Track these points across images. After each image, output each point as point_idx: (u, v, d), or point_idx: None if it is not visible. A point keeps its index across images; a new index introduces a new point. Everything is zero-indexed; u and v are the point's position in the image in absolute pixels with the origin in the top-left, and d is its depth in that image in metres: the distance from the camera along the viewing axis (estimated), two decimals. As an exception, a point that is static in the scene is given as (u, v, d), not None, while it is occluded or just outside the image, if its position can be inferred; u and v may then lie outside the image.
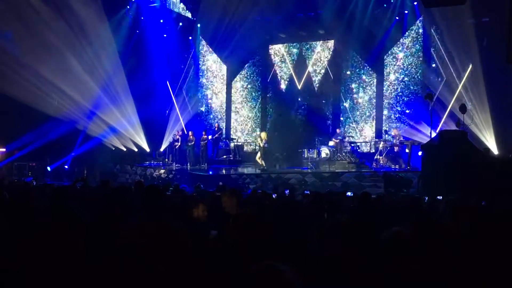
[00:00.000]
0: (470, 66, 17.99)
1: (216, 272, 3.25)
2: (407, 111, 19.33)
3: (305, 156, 19.19)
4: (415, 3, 18.67)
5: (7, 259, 3.19)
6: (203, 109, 22.93)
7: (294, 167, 18.46)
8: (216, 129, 20.78)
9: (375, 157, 18.06)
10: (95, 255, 3.21)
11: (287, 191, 10.67)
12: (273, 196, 9.15)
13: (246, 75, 22.95)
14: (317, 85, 21.57)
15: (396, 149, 17.47)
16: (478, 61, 17.09)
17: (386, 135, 19.06)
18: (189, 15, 22.17)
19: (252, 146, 22.57)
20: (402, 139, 17.55)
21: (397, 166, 17.22)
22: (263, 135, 18.21)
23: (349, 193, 10.65)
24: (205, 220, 4.58)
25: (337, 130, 18.97)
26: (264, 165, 17.64)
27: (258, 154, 18.01)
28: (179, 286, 2.92)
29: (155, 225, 3.64)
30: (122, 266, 2.49)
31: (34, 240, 3.31)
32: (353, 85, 20.86)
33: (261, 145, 17.83)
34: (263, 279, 2.23)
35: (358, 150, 19.55)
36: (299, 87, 21.80)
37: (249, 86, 22.92)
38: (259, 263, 2.30)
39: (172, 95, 22.01)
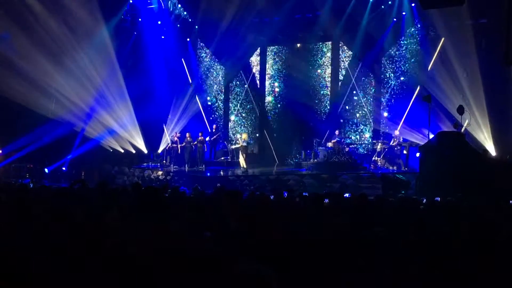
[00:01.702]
0: (442, 39, 18.13)
1: (210, 272, 3.25)
2: (405, 113, 19.30)
3: (303, 157, 19.23)
4: (413, 4, 18.66)
5: (6, 259, 3.18)
6: (201, 110, 22.84)
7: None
8: (214, 130, 20.74)
9: (373, 158, 18.08)
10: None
11: (285, 193, 10.64)
12: (271, 198, 9.14)
13: (244, 76, 22.92)
14: (315, 86, 21.53)
15: (396, 150, 17.53)
16: (476, 62, 17.11)
17: (382, 139, 18.90)
18: (187, 16, 22.13)
19: (250, 148, 22.58)
20: (401, 140, 17.59)
21: (395, 168, 17.24)
22: (244, 136, 18.36)
23: (346, 195, 10.63)
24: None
25: (336, 132, 18.97)
26: (245, 166, 17.79)
27: (240, 156, 18.13)
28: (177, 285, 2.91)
29: (153, 226, 3.64)
30: None
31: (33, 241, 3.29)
32: (351, 87, 20.85)
33: (241, 145, 18.06)
34: (246, 281, 2.22)
35: (356, 152, 19.57)
36: (297, 88, 21.77)
37: (246, 87, 22.89)
38: (242, 265, 2.29)
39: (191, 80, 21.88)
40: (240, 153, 18.26)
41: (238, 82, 23.08)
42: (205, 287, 3.13)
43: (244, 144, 18.16)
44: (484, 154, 14.87)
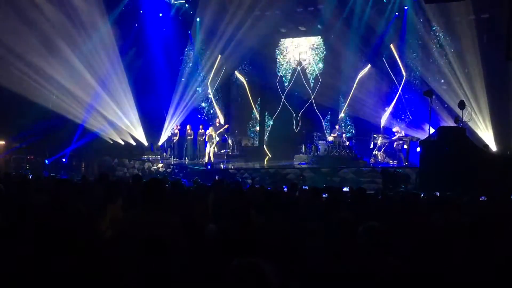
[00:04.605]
0: (368, 66, 19.06)
1: (209, 266, 3.25)
2: (406, 108, 19.26)
3: (303, 150, 19.26)
4: (415, -1, 18.60)
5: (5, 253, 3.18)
6: (202, 103, 22.76)
7: None
8: (217, 124, 20.57)
9: (373, 153, 18.06)
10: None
11: (285, 188, 10.65)
12: (268, 189, 9.19)
13: (245, 69, 22.87)
14: (316, 80, 21.49)
15: (395, 145, 17.49)
16: (477, 58, 17.07)
17: (380, 136, 18.72)
18: (188, 9, 22.06)
19: (251, 141, 22.60)
20: (402, 135, 17.53)
21: (395, 162, 17.22)
22: (210, 130, 18.80)
23: (345, 188, 10.63)
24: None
25: (336, 127, 18.97)
26: (211, 159, 18.35)
27: (209, 149, 18.48)
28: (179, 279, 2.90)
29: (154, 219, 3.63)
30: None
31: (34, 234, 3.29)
32: (352, 81, 20.81)
33: (214, 140, 18.61)
34: (243, 275, 2.22)
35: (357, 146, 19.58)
36: (298, 82, 21.75)
37: (248, 80, 22.85)
38: (241, 258, 2.28)
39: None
40: (208, 146, 18.46)
41: (239, 75, 23.02)
42: (205, 279, 3.13)
43: (217, 139, 18.82)
44: (485, 149, 14.85)
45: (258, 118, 22.63)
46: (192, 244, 3.50)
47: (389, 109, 19.44)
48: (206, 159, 18.30)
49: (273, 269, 2.27)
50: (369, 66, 20.38)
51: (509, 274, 3.23)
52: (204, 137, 19.45)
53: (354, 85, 20.66)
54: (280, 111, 22.07)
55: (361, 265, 3.37)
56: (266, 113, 22.53)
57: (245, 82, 22.86)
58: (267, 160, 20.52)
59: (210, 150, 18.37)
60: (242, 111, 22.96)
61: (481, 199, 7.97)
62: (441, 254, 3.62)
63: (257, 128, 22.60)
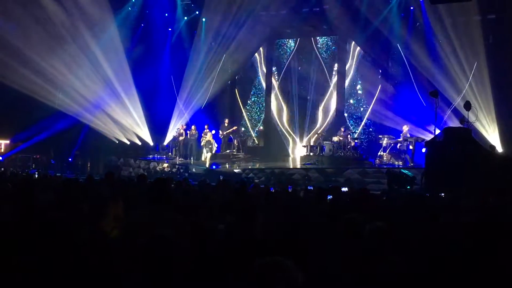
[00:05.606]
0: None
1: (214, 266, 3.26)
2: (412, 108, 19.21)
3: (307, 152, 19.26)
4: (422, -1, 18.57)
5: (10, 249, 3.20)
6: (208, 103, 22.75)
7: None
8: (226, 125, 20.54)
9: (379, 153, 18.03)
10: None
11: (290, 188, 10.65)
12: (271, 190, 9.19)
13: (250, 69, 22.89)
14: (321, 80, 21.48)
15: (400, 145, 17.43)
16: (483, 58, 17.00)
17: (386, 137, 18.59)
18: (194, 9, 22.09)
19: (255, 141, 22.62)
20: (408, 135, 17.46)
21: (401, 163, 17.17)
22: (209, 135, 19.15)
23: (344, 189, 10.56)
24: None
25: (341, 128, 18.93)
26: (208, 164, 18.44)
27: (206, 154, 18.80)
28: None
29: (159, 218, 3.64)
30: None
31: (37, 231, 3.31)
32: (357, 81, 20.80)
33: (212, 145, 19.14)
34: (267, 274, 2.23)
35: (362, 146, 19.55)
36: (303, 82, 21.75)
37: (253, 80, 22.87)
38: (264, 258, 2.29)
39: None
40: (205, 151, 18.88)
41: (244, 75, 23.05)
42: (210, 279, 3.14)
43: (215, 145, 19.37)
44: (491, 150, 14.78)
45: (263, 117, 22.64)
46: (197, 243, 3.51)
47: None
48: (207, 165, 18.32)
49: (293, 265, 2.29)
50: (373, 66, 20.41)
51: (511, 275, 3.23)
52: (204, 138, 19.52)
53: (358, 86, 20.73)
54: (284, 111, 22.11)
55: (366, 266, 3.37)
56: (270, 112, 22.52)
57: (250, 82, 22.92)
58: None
59: (208, 155, 18.55)
60: (246, 111, 22.97)
61: (486, 200, 7.93)
62: (445, 255, 3.61)
63: (261, 127, 22.63)
